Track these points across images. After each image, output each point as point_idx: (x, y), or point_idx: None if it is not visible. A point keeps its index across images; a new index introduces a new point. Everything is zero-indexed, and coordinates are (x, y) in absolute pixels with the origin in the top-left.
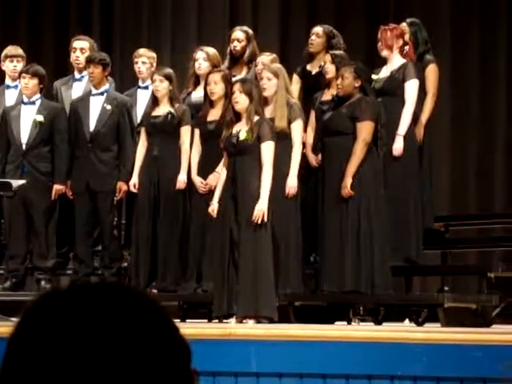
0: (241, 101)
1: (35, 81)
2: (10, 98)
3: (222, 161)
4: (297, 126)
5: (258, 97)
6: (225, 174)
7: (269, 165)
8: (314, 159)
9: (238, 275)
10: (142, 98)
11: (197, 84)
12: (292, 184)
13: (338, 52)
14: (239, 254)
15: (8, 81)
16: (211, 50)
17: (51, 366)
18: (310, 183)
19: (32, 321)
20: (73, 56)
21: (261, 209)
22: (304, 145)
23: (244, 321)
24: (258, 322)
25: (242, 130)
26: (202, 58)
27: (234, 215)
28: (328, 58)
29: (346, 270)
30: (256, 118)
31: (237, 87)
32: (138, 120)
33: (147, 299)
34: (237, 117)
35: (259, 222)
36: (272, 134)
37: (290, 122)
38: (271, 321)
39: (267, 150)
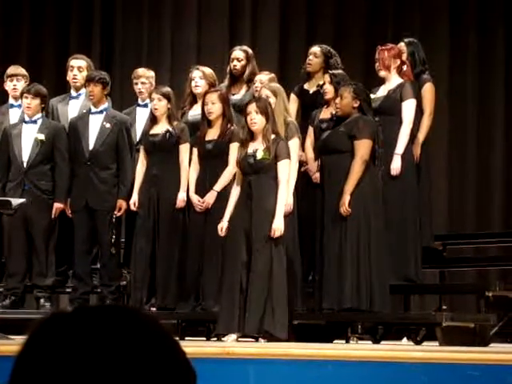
0: (258, 121)
1: (37, 101)
2: (14, 116)
3: (220, 179)
4: (293, 144)
5: (271, 115)
6: (236, 192)
7: (285, 182)
8: (316, 174)
9: (251, 293)
10: (142, 116)
11: (193, 103)
12: (288, 202)
13: (337, 72)
14: (254, 272)
15: (12, 100)
16: (207, 70)
17: None
18: (307, 201)
19: (38, 343)
20: (70, 75)
21: (278, 226)
22: (301, 162)
23: (255, 338)
24: (269, 340)
25: (258, 149)
26: (199, 77)
27: (249, 233)
28: (327, 78)
29: (345, 288)
30: (272, 136)
31: (253, 107)
32: (138, 138)
33: (155, 324)
34: (251, 136)
35: (275, 238)
36: (288, 152)
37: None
38: (280, 340)
39: (284, 168)
